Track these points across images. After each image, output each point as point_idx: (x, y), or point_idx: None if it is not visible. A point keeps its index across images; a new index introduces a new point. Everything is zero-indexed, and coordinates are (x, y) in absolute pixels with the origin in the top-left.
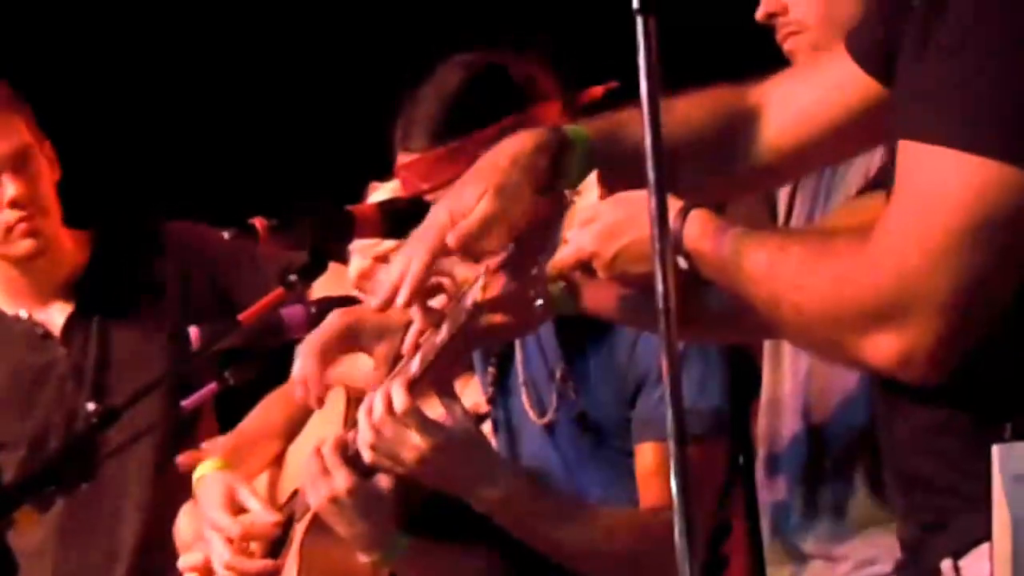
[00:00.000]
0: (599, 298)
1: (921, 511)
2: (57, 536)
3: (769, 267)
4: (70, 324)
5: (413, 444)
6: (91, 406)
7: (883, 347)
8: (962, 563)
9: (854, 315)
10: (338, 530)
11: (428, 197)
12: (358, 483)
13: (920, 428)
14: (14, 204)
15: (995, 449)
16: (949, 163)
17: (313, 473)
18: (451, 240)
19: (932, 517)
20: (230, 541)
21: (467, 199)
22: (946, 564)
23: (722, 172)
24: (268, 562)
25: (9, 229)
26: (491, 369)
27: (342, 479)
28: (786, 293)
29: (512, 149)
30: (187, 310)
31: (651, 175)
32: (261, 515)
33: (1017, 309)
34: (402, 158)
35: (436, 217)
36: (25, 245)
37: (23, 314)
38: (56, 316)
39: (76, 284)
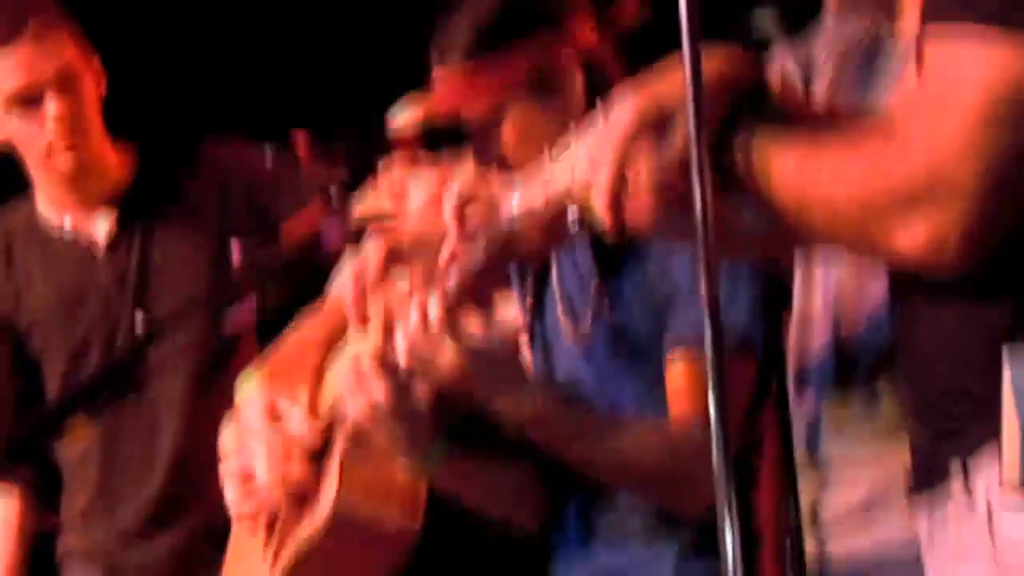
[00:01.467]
0: (633, 215)
1: (934, 414)
2: (100, 447)
3: (799, 166)
4: (113, 236)
5: (446, 355)
6: (140, 316)
7: (914, 233)
8: (971, 464)
9: (884, 203)
10: (376, 439)
11: (464, 113)
12: (396, 391)
13: (937, 331)
14: (57, 123)
15: (1006, 350)
16: (974, 40)
17: (352, 382)
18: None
19: (945, 423)
20: (272, 450)
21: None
22: (955, 465)
23: None
24: (309, 470)
25: (52, 147)
26: (528, 285)
27: (380, 387)
28: (817, 190)
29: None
30: (229, 227)
31: (689, 87)
32: (301, 424)
33: None
34: (438, 73)
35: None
36: (67, 163)
37: (67, 224)
38: (100, 228)
39: (120, 197)
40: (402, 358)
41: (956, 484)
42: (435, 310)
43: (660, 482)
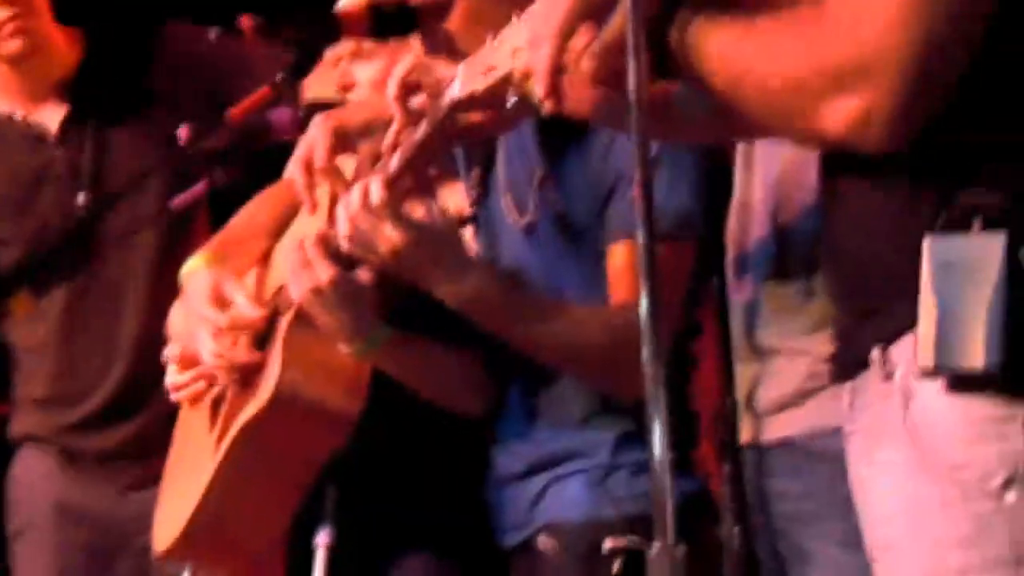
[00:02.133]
0: (573, 97)
1: (856, 298)
2: (58, 332)
3: (734, 44)
4: (66, 124)
5: (387, 237)
6: (83, 197)
7: (842, 110)
8: (891, 351)
9: (814, 81)
10: (320, 321)
11: (413, 1)
12: (339, 274)
13: (861, 211)
14: (3, 3)
15: (926, 239)
16: None
17: (295, 265)
18: (585, 64)
19: (865, 303)
20: (217, 333)
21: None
22: (875, 352)
23: None
24: (254, 352)
25: None
26: (475, 173)
27: (324, 270)
28: (750, 67)
29: None
30: (179, 111)
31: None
32: (246, 308)
33: (967, 82)
34: None
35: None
36: (15, 45)
37: (18, 115)
38: (52, 116)
39: (70, 84)
40: (343, 240)
41: (875, 369)
42: (376, 192)
43: (600, 366)
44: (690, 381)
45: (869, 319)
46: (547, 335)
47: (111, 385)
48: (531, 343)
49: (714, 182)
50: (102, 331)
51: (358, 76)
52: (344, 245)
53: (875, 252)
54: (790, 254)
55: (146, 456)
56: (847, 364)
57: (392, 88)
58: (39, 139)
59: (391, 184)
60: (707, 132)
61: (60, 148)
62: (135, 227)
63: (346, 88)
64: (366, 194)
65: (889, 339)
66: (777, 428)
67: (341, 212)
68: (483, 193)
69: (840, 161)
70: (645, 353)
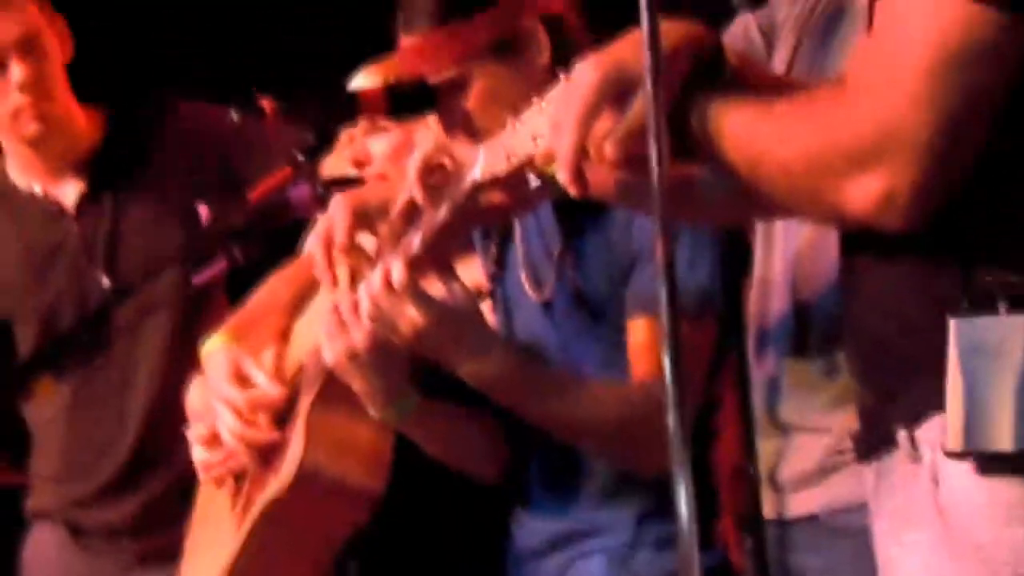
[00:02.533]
0: (595, 180)
1: (878, 378)
2: (70, 407)
3: (753, 126)
4: (83, 200)
5: (409, 318)
6: (106, 281)
7: (864, 191)
8: (917, 432)
9: (834, 161)
10: (352, 386)
11: (431, 79)
12: (374, 338)
13: (881, 290)
14: (21, 88)
15: (952, 323)
16: (920, 5)
17: (331, 328)
18: (607, 150)
19: (888, 383)
20: (238, 412)
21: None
22: (901, 433)
23: None
24: (274, 432)
25: (18, 113)
26: (492, 248)
27: (360, 333)
28: (769, 149)
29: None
30: (197, 189)
31: (648, 56)
32: (267, 387)
33: (986, 163)
34: (404, 40)
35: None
36: (32, 128)
37: (37, 190)
38: (69, 192)
39: (89, 161)
40: (365, 320)
41: (902, 450)
42: (398, 272)
43: (619, 442)
44: (709, 454)
45: (893, 400)
46: (567, 411)
47: (118, 460)
48: (551, 419)
49: (734, 258)
50: (113, 407)
51: (373, 150)
52: (365, 324)
53: (896, 332)
54: (811, 330)
55: (152, 532)
56: (871, 444)
57: (413, 169)
58: (57, 214)
59: (412, 265)
60: (728, 214)
61: (77, 223)
62: (152, 307)
63: (360, 163)
64: (387, 275)
65: (914, 420)
66: (799, 504)
67: (363, 293)
68: (501, 268)
69: (859, 240)
70: (671, 429)
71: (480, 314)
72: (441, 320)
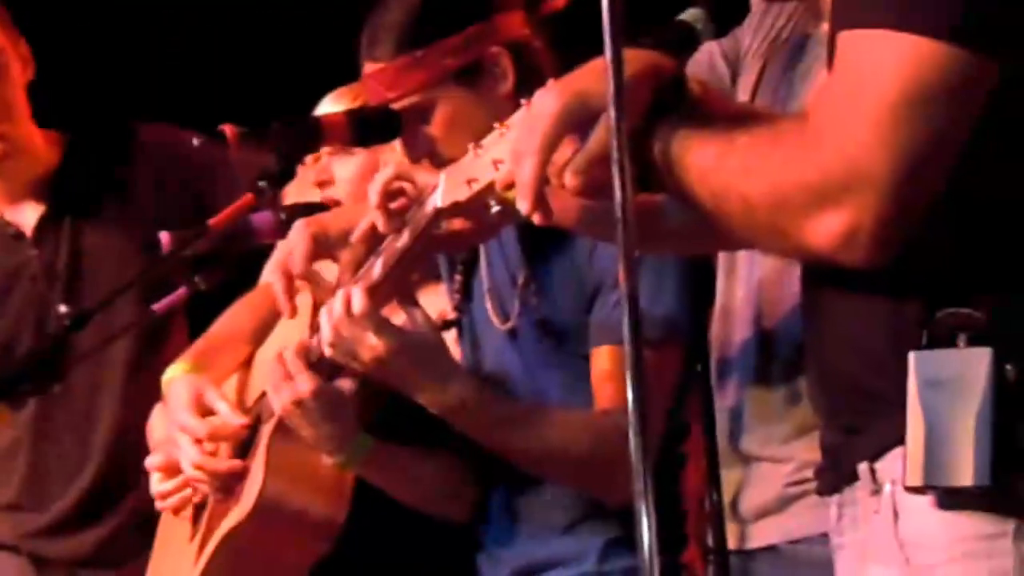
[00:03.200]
0: (558, 207)
1: (842, 413)
2: (30, 436)
3: (716, 159)
4: (42, 224)
5: (370, 345)
6: (63, 308)
7: (827, 227)
8: (878, 466)
9: (797, 197)
10: (302, 433)
11: (394, 106)
12: (320, 386)
13: (844, 326)
14: None
15: (911, 356)
16: (882, 43)
17: (276, 377)
18: (568, 178)
19: (852, 419)
20: (198, 442)
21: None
22: (863, 467)
23: None
24: (235, 462)
25: None
26: (457, 276)
27: (305, 382)
28: (733, 183)
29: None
30: (160, 214)
31: (610, 85)
32: (228, 416)
33: (946, 200)
34: (368, 67)
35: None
36: None
37: None
38: (28, 216)
39: (48, 185)
40: (326, 347)
41: (863, 484)
42: (359, 301)
43: (585, 471)
44: (678, 481)
45: (855, 434)
46: (530, 441)
47: (81, 489)
48: (514, 450)
49: (698, 284)
50: (74, 436)
51: (336, 173)
52: (327, 352)
53: (859, 367)
54: (773, 359)
55: (116, 563)
56: (834, 478)
57: (374, 195)
58: (15, 238)
59: (373, 292)
60: (691, 244)
61: (35, 248)
62: (110, 334)
63: (323, 184)
64: (348, 302)
65: (876, 454)
66: (761, 534)
67: (324, 320)
68: (465, 297)
69: (822, 274)
70: (633, 458)
71: (442, 342)
72: (401, 348)
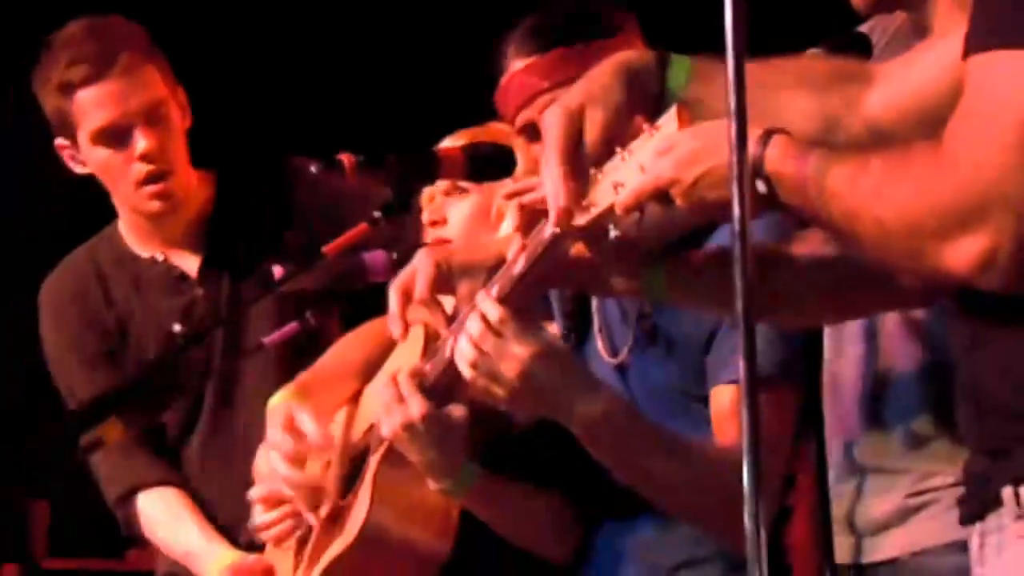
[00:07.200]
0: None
1: (990, 436)
2: (198, 470)
3: (851, 180)
4: (204, 269)
5: (513, 354)
6: (177, 327)
7: (964, 250)
8: (1023, 490)
9: (934, 220)
10: (410, 457)
11: (544, 97)
12: (432, 411)
13: (1000, 354)
14: (144, 158)
15: None
16: (1011, 63)
17: (388, 400)
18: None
19: (1000, 443)
20: (288, 458)
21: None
22: (1007, 491)
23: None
24: (318, 474)
25: (140, 182)
26: (568, 310)
27: (416, 406)
28: (867, 205)
29: (616, 61)
30: (308, 250)
31: (732, 101)
32: (314, 435)
33: None
34: (516, 65)
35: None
36: (154, 206)
37: (159, 257)
38: (189, 260)
39: (204, 227)
40: (465, 369)
41: (1008, 512)
42: (494, 310)
43: (711, 507)
44: (783, 535)
45: (1000, 458)
46: (667, 469)
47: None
48: (648, 475)
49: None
50: (239, 462)
51: (449, 213)
52: (466, 372)
53: (1011, 393)
54: (887, 403)
55: None
56: (976, 505)
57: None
58: (180, 280)
59: (505, 303)
60: (801, 316)
61: (200, 293)
62: (266, 375)
63: (434, 224)
64: (484, 316)
65: (1021, 478)
66: (882, 548)
67: (463, 344)
68: (576, 331)
69: (983, 303)
70: (747, 505)
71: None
72: (547, 351)
